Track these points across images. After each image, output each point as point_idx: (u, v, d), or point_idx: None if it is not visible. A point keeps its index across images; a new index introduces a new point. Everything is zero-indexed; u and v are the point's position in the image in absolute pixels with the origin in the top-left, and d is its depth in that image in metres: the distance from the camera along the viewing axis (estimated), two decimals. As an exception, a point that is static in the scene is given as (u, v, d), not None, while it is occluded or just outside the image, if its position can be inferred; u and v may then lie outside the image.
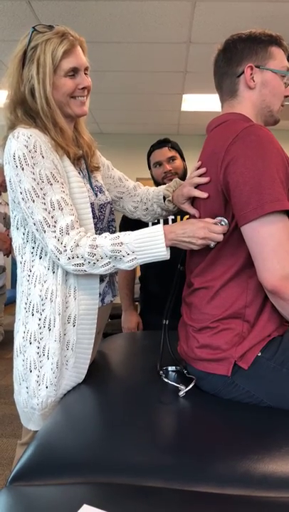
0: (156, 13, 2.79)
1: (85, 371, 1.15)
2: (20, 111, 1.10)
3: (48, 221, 1.03)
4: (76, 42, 1.09)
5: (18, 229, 1.13)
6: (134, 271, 2.17)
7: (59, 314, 1.08)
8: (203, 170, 1.10)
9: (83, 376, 1.14)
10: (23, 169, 1.03)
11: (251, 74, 1.10)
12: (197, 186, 1.13)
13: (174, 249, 1.08)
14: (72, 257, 1.03)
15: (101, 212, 1.20)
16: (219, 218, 1.04)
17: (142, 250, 1.03)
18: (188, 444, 0.85)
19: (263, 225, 0.95)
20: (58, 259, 1.04)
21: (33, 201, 1.03)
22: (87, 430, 0.90)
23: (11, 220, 1.16)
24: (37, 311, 1.09)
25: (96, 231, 1.15)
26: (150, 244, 1.03)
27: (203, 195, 1.08)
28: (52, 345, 1.08)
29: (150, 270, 2.02)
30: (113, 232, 1.25)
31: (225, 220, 1.04)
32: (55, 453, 0.81)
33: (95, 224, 1.15)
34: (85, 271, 1.05)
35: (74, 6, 2.74)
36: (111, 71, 3.72)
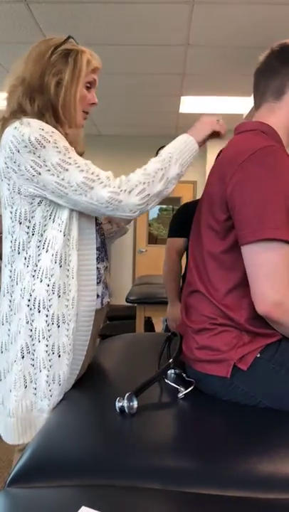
0: (154, 15, 2.79)
1: (78, 371, 1.14)
2: (40, 101, 1.10)
3: (90, 177, 1.04)
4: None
5: (21, 223, 1.09)
6: (180, 266, 2.27)
7: (73, 307, 1.07)
8: None
9: (75, 377, 1.13)
10: (44, 147, 1.02)
11: None
12: (206, 184, 1.15)
13: None
14: (132, 189, 1.06)
15: None
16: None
17: (180, 149, 1.13)
18: (187, 445, 0.85)
19: (262, 249, 0.95)
20: (120, 201, 1.05)
21: (67, 170, 1.03)
22: (85, 432, 0.90)
23: (11, 216, 1.10)
24: (44, 308, 1.07)
25: (96, 225, 1.17)
26: (179, 142, 1.15)
27: None
28: (62, 341, 1.06)
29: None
30: (103, 234, 1.26)
31: None
32: (53, 455, 0.81)
33: (96, 219, 1.18)
34: (148, 194, 1.07)
35: (72, 9, 2.75)
36: (109, 73, 3.73)
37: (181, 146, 1.14)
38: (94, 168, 1.06)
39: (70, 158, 1.04)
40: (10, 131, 1.05)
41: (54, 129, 1.07)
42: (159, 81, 3.93)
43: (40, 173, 1.03)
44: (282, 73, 1.09)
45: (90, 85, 1.18)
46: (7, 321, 1.11)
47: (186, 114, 4.80)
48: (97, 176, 1.05)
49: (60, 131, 1.09)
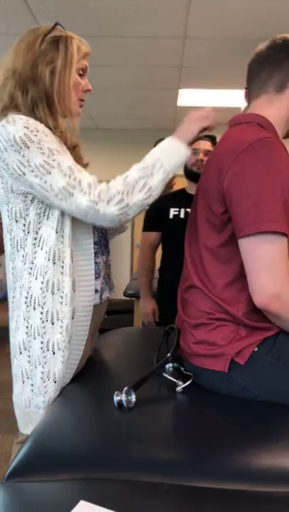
0: (151, 7, 2.77)
1: (77, 365, 1.14)
2: (34, 92, 1.08)
3: (72, 183, 1.02)
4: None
5: (17, 221, 1.09)
6: (153, 261, 2.29)
7: (66, 304, 1.07)
8: None
9: (73, 371, 1.14)
10: (28, 147, 1.00)
11: None
12: (201, 178, 1.14)
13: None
14: (110, 199, 1.03)
15: None
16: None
17: (163, 153, 1.08)
18: (185, 439, 0.85)
19: (260, 242, 0.95)
20: (98, 210, 1.02)
21: (50, 173, 1.01)
22: (83, 426, 0.90)
23: (8, 214, 1.10)
24: (38, 305, 1.07)
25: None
26: (166, 145, 1.10)
27: None
28: (56, 339, 1.07)
29: (168, 261, 2.21)
30: (104, 230, 1.25)
31: None
32: (52, 449, 0.81)
33: None
34: (127, 204, 1.04)
35: (69, 1, 2.72)
36: (106, 66, 3.70)
37: (167, 150, 1.09)
38: (77, 173, 1.03)
39: (54, 160, 1.02)
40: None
41: (40, 126, 1.04)
42: (157, 74, 3.90)
43: (24, 174, 1.02)
44: (286, 68, 1.08)
45: (82, 72, 1.16)
46: (12, 317, 1.14)
47: (184, 107, 4.77)
48: (79, 182, 1.03)
49: (51, 123, 1.08)
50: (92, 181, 1.04)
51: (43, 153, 1.01)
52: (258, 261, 0.95)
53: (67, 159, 1.04)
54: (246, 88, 1.18)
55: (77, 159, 1.24)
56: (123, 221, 1.08)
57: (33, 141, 1.01)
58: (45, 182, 1.02)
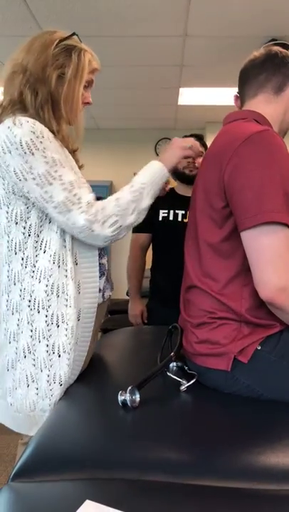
0: (151, 6, 2.76)
1: (82, 365, 1.14)
2: (43, 93, 1.09)
3: (71, 200, 1.04)
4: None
5: (17, 224, 1.08)
6: (143, 262, 2.28)
7: (70, 307, 1.07)
8: None
9: (79, 371, 1.13)
10: (33, 154, 1.01)
11: None
12: (199, 174, 1.14)
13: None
14: (106, 220, 1.06)
15: None
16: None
17: (153, 180, 1.15)
18: (190, 438, 0.85)
19: (263, 233, 0.94)
20: (93, 231, 1.05)
21: (51, 184, 1.02)
22: (88, 426, 0.90)
23: (7, 216, 1.09)
24: (43, 308, 1.07)
25: None
26: (151, 170, 1.16)
27: None
28: (62, 341, 1.06)
29: (159, 262, 2.20)
30: None
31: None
32: (56, 449, 0.82)
33: None
34: (120, 226, 1.08)
35: (69, 1, 2.72)
36: (106, 65, 3.68)
37: (154, 176, 1.15)
38: (77, 190, 1.05)
39: (56, 171, 1.03)
40: (3, 129, 1.03)
41: (45, 132, 1.04)
42: (157, 73, 3.90)
43: (26, 179, 1.02)
44: (284, 73, 1.14)
45: (87, 85, 1.18)
46: (3, 320, 1.12)
47: (185, 106, 4.77)
48: (79, 199, 1.04)
49: (54, 126, 1.08)
50: (92, 198, 1.07)
51: (47, 163, 1.02)
52: (262, 253, 0.94)
53: (69, 173, 1.06)
54: (238, 93, 1.21)
55: (75, 161, 1.25)
56: (112, 242, 1.11)
57: (38, 149, 1.01)
58: (46, 192, 1.02)
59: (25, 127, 1.01)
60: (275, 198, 0.94)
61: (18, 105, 1.08)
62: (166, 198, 2.21)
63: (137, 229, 2.27)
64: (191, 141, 1.23)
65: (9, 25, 3.02)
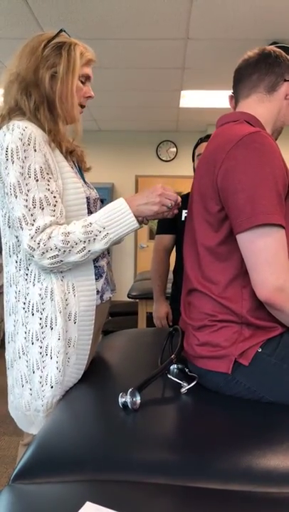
0: (153, 9, 2.78)
1: (84, 367, 1.15)
2: (36, 95, 1.09)
3: (26, 219, 1.02)
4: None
5: (10, 227, 1.11)
6: (167, 264, 2.23)
7: (60, 312, 1.07)
8: None
9: (82, 372, 1.14)
10: (13, 162, 1.02)
11: None
12: (194, 179, 1.14)
13: None
14: (46, 251, 1.02)
15: (94, 207, 1.20)
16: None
17: (112, 224, 1.05)
18: (190, 440, 0.85)
19: (258, 236, 0.94)
20: (33, 257, 1.03)
21: (16, 197, 1.02)
22: (88, 428, 0.90)
23: (3, 219, 1.12)
24: (37, 311, 1.08)
25: None
26: (118, 216, 1.06)
27: None
28: (55, 344, 1.07)
29: (181, 263, 2.12)
30: None
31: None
32: (57, 451, 0.82)
33: None
34: (61, 261, 1.03)
35: (71, 4, 2.73)
36: (108, 68, 3.71)
37: (119, 222, 1.06)
38: (38, 210, 1.02)
39: (26, 185, 1.02)
40: (0, 133, 1.06)
41: (33, 138, 1.04)
42: (159, 75, 3.91)
43: (4, 185, 1.05)
44: (278, 72, 1.14)
45: (84, 80, 1.17)
46: (7, 320, 1.15)
47: (187, 109, 4.78)
48: (33, 221, 1.02)
49: (48, 126, 1.08)
50: (47, 224, 1.02)
51: (21, 174, 1.02)
52: (259, 255, 0.95)
53: (41, 189, 1.03)
54: (232, 93, 1.21)
55: (80, 163, 1.24)
56: (56, 271, 1.07)
57: (19, 158, 1.02)
58: (10, 202, 1.04)
59: (15, 133, 1.03)
60: (268, 200, 0.94)
61: (16, 111, 1.09)
62: (188, 199, 2.19)
63: (161, 230, 2.25)
64: (174, 197, 1.11)
65: (12, 28, 3.04)
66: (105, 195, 5.17)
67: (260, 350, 1.00)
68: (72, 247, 1.03)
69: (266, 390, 1.01)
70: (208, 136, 2.17)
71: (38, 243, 1.01)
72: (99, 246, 1.05)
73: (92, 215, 1.08)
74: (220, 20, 2.89)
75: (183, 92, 4.33)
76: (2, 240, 1.14)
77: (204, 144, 2.16)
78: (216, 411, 0.98)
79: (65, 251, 1.02)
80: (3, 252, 1.13)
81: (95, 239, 1.04)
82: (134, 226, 1.08)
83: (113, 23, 2.97)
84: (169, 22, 2.94)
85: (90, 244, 1.04)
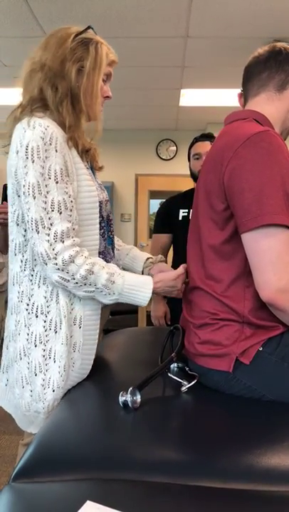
0: (153, 7, 2.77)
1: (88, 370, 1.14)
2: (63, 88, 1.07)
3: (43, 222, 1.00)
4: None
5: (18, 225, 1.08)
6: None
7: (65, 317, 1.06)
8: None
9: (85, 376, 1.14)
10: (33, 161, 1.00)
11: None
12: (200, 176, 1.13)
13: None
14: (62, 270, 1.01)
15: (105, 210, 1.18)
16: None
17: (127, 294, 1.09)
18: (191, 439, 0.85)
19: (263, 236, 0.94)
20: (45, 264, 1.02)
21: (34, 197, 1.00)
22: (89, 426, 0.90)
23: (10, 215, 1.10)
24: (42, 313, 1.06)
25: (100, 229, 1.14)
26: (137, 292, 1.10)
27: None
28: (58, 348, 1.06)
29: (178, 262, 2.16)
30: (112, 231, 1.24)
31: None
32: (57, 449, 0.81)
33: (100, 223, 1.14)
34: (66, 287, 1.04)
35: (70, 2, 2.73)
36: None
37: (136, 293, 1.09)
38: (55, 216, 1.00)
39: (46, 186, 1.00)
40: (19, 129, 1.03)
41: (57, 136, 1.02)
42: (159, 74, 3.90)
43: (20, 183, 1.03)
44: (287, 70, 1.11)
45: (106, 78, 1.17)
46: (9, 319, 1.13)
47: (186, 107, 4.77)
48: (50, 225, 1.00)
49: (69, 121, 1.06)
50: (64, 232, 1.01)
51: (42, 174, 1.00)
52: (263, 255, 0.95)
53: (59, 192, 1.01)
54: (241, 91, 1.20)
55: (93, 162, 1.23)
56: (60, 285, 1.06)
57: (40, 157, 1.00)
58: (27, 202, 1.01)
59: (36, 131, 1.00)
60: (275, 200, 0.94)
61: (38, 103, 1.07)
62: (186, 198, 2.20)
63: (158, 229, 2.26)
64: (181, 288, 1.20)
65: (11, 27, 3.03)
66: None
67: (261, 349, 1.00)
68: (85, 284, 1.04)
69: (267, 389, 1.01)
70: (203, 136, 2.16)
71: (56, 255, 1.00)
72: (104, 299, 1.08)
73: (120, 274, 1.08)
74: (220, 18, 2.88)
75: (183, 91, 4.31)
76: (9, 237, 1.12)
77: (200, 144, 2.14)
78: (217, 410, 0.98)
79: (77, 283, 1.03)
80: (10, 250, 1.11)
81: (106, 294, 1.07)
82: (142, 304, 1.12)
83: (112, 21, 2.96)
84: (169, 20, 2.93)
85: (99, 294, 1.07)
